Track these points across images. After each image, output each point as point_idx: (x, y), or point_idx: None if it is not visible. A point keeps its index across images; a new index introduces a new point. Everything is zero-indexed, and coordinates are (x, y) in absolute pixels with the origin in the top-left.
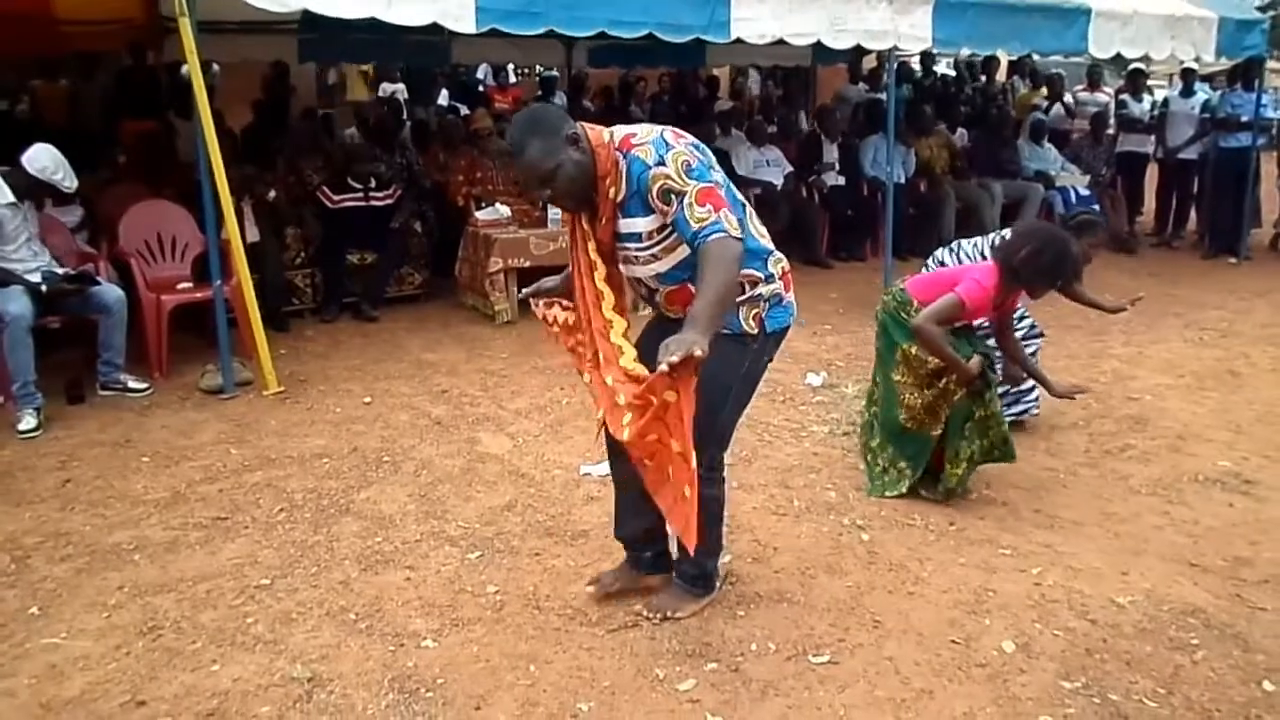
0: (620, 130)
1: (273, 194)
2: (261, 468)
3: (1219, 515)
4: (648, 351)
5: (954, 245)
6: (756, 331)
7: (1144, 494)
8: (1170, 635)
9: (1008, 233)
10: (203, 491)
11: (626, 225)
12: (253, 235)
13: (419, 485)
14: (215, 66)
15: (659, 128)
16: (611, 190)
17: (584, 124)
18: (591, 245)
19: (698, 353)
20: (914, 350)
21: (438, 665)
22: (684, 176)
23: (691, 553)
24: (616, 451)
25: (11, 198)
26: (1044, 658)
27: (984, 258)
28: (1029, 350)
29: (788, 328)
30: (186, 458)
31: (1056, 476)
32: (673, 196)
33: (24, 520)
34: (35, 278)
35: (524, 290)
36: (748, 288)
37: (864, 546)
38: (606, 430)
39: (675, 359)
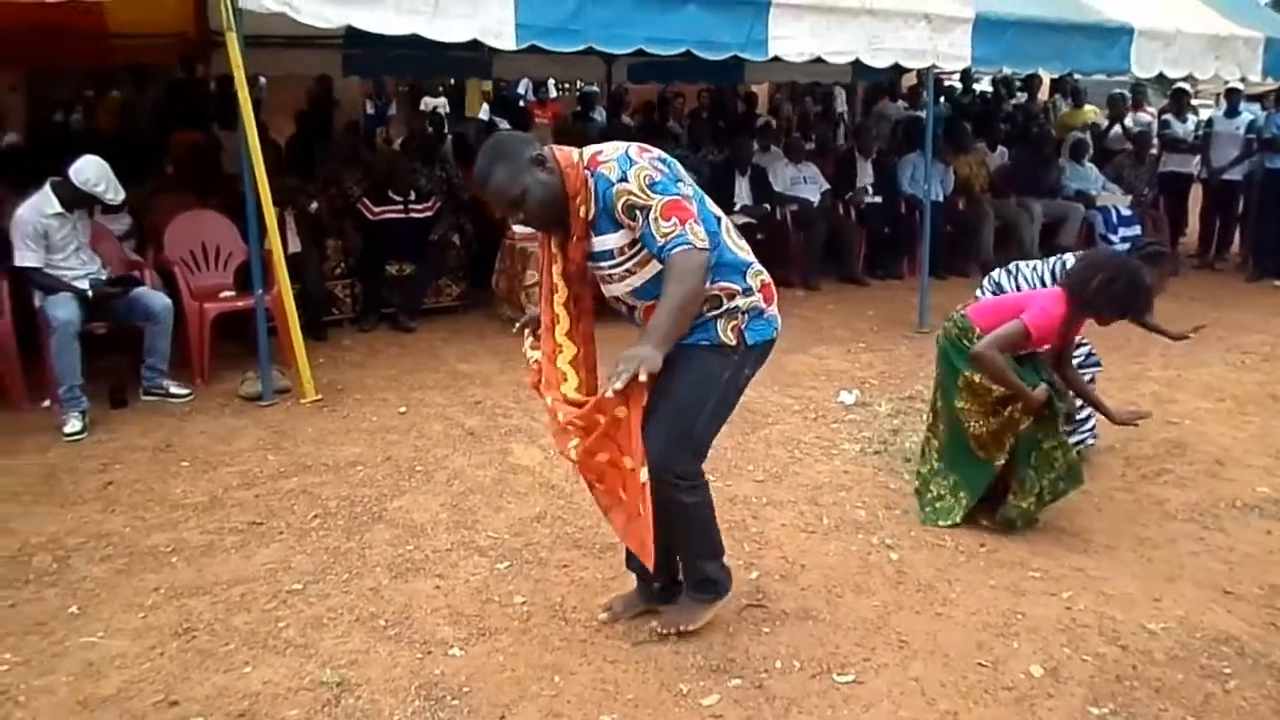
0: (589, 149)
1: (314, 206)
2: (297, 474)
3: (1256, 542)
4: None
5: (1012, 268)
6: (736, 343)
7: (1180, 519)
8: (1202, 663)
9: (1069, 259)
10: (239, 497)
11: (599, 243)
12: (294, 246)
13: (451, 495)
14: (262, 80)
15: (625, 144)
16: (582, 209)
17: (554, 146)
18: (556, 268)
19: (643, 377)
20: (977, 378)
21: (464, 674)
22: (647, 191)
23: (651, 569)
24: None
25: (58, 208)
26: (1072, 683)
27: (1043, 283)
28: (1085, 378)
29: (771, 341)
30: (225, 463)
31: (1091, 500)
32: (637, 211)
33: (66, 521)
34: (83, 284)
35: (517, 324)
36: (725, 300)
37: (892, 566)
38: None
39: (620, 385)
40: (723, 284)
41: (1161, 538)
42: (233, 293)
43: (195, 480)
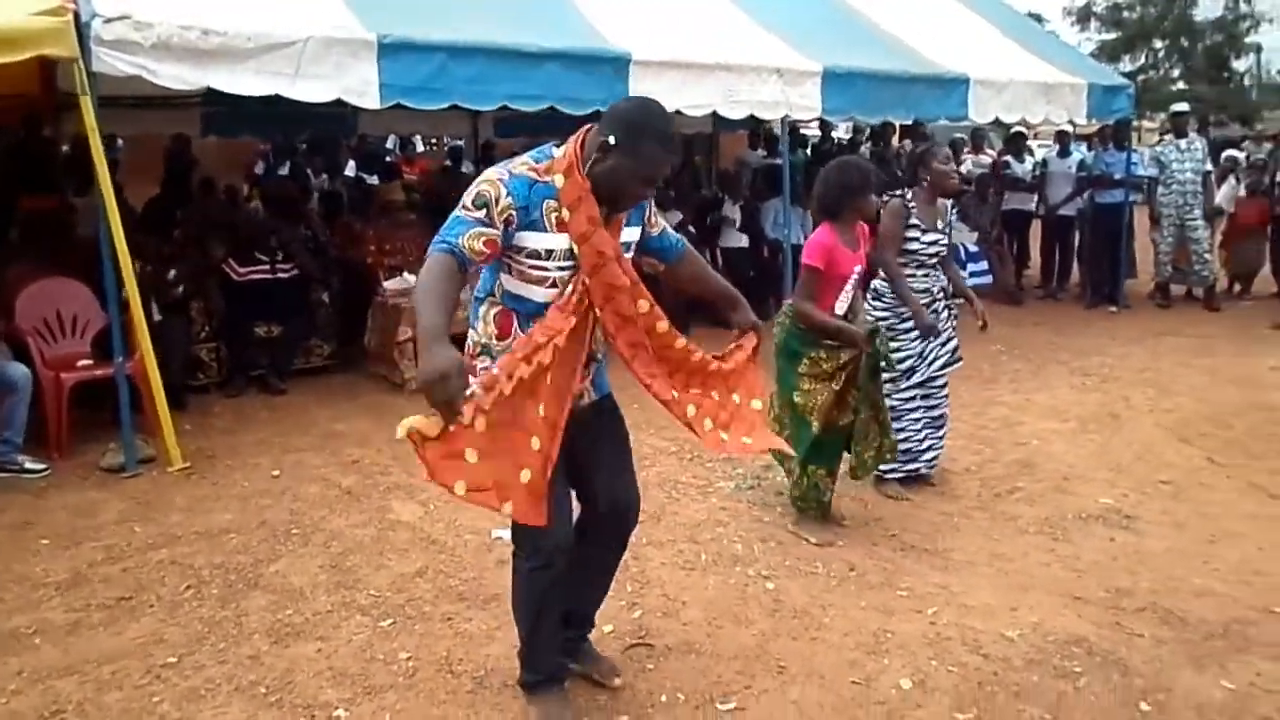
0: None
1: (180, 290)
2: (166, 545)
3: (1101, 549)
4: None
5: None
6: None
7: (1031, 533)
8: (1055, 664)
9: None
10: (105, 572)
11: (626, 234)
12: (155, 316)
13: (330, 556)
14: (119, 141)
15: None
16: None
17: None
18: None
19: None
20: (823, 355)
21: None
22: None
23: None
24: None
25: None
26: (938, 693)
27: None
28: (955, 368)
29: None
30: (88, 538)
31: (950, 520)
32: (659, 213)
33: None
34: None
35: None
36: None
37: (769, 595)
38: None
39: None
40: None
41: (1015, 551)
42: (90, 361)
43: (56, 558)
